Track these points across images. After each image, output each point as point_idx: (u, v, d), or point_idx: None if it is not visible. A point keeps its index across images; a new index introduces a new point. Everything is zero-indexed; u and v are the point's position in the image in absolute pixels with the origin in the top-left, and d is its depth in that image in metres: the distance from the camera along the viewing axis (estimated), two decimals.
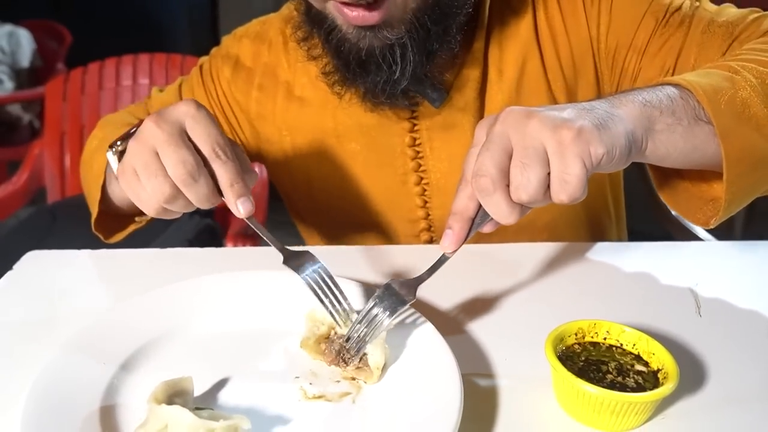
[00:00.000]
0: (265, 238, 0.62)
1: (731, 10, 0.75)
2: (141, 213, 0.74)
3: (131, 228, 0.82)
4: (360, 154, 0.84)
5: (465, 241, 0.56)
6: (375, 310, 0.59)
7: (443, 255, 0.58)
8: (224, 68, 0.90)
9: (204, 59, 0.94)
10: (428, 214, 0.86)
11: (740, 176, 0.59)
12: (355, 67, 0.72)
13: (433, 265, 0.59)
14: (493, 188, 0.52)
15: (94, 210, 0.79)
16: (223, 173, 0.57)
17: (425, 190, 0.84)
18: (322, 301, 0.59)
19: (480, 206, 0.56)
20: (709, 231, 1.32)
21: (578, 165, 0.50)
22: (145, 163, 0.57)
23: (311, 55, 0.79)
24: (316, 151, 0.87)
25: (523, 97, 0.80)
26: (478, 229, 0.57)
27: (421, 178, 0.84)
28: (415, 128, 0.82)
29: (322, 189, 0.89)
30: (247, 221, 0.60)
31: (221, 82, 0.90)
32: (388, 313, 0.58)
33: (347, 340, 0.59)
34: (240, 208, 0.58)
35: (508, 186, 0.52)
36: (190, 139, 0.57)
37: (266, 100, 0.87)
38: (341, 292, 0.60)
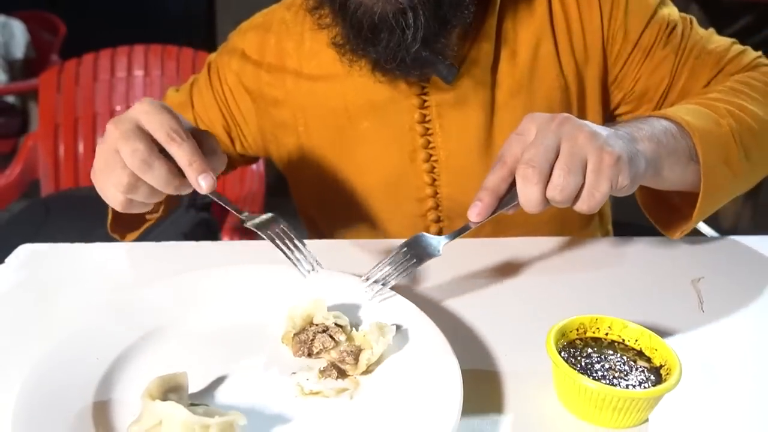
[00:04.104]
0: (228, 209, 0.65)
1: (716, 38, 0.84)
2: (151, 211, 0.83)
3: (144, 227, 0.86)
4: (370, 132, 0.85)
5: (490, 216, 0.61)
6: (403, 255, 0.64)
7: (467, 224, 0.63)
8: (231, 62, 0.91)
9: (212, 56, 0.95)
10: (436, 193, 0.86)
11: (709, 204, 0.71)
12: (367, 32, 0.73)
13: (458, 230, 0.64)
14: (537, 179, 0.57)
15: (110, 213, 0.83)
16: (181, 154, 0.60)
17: (434, 168, 0.85)
18: (284, 253, 0.62)
19: (509, 190, 0.61)
20: (711, 226, 1.32)
21: (607, 186, 0.58)
22: (105, 161, 0.62)
23: (321, 25, 0.80)
24: (327, 132, 0.87)
25: (536, 80, 0.82)
26: (502, 210, 0.61)
27: (430, 155, 0.85)
28: (425, 104, 0.82)
29: (332, 170, 0.90)
30: (210, 196, 0.63)
31: (228, 78, 0.91)
32: (415, 260, 0.63)
33: (367, 280, 0.65)
34: (201, 183, 0.60)
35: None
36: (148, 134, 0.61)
37: (277, 84, 0.88)
38: (305, 246, 0.63)
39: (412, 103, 0.82)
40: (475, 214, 0.61)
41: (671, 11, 0.83)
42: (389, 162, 0.86)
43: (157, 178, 0.60)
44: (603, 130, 0.60)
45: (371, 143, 0.85)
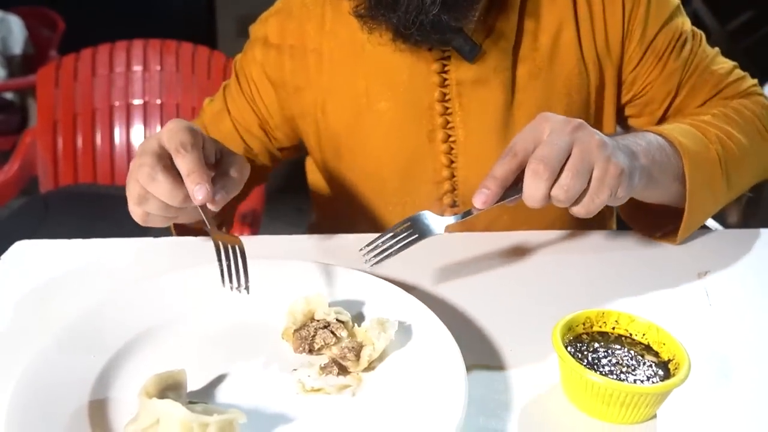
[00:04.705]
0: (208, 225, 0.64)
1: (720, 59, 0.87)
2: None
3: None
4: (389, 112, 0.85)
5: (493, 205, 0.62)
6: (405, 229, 0.65)
7: (471, 209, 0.63)
8: (255, 52, 0.91)
9: (237, 57, 0.96)
10: (453, 175, 0.87)
11: (693, 223, 0.76)
12: None
13: (462, 213, 0.65)
14: (546, 176, 0.59)
15: (172, 228, 0.88)
16: (182, 165, 0.62)
17: (452, 149, 0.86)
18: (219, 262, 0.61)
19: (515, 181, 0.62)
20: (717, 220, 1.31)
21: (607, 195, 0.61)
22: (128, 177, 0.66)
23: None
24: (345, 116, 0.87)
25: (556, 65, 0.82)
26: (504, 201, 0.62)
27: (449, 136, 0.85)
28: (446, 83, 0.83)
29: (348, 154, 0.90)
30: (199, 209, 0.63)
31: (252, 72, 0.92)
32: (417, 235, 0.65)
33: (370, 245, 0.65)
34: (195, 194, 0.61)
35: None
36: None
37: (300, 70, 0.89)
38: (246, 272, 0.62)
39: (432, 82, 0.82)
40: (481, 201, 0.62)
41: (685, 21, 0.85)
42: (407, 142, 0.86)
43: (161, 190, 0.62)
44: (610, 141, 0.63)
45: (389, 124, 0.86)
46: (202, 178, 0.61)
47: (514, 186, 0.62)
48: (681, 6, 0.86)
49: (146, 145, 0.64)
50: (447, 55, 0.81)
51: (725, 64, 0.87)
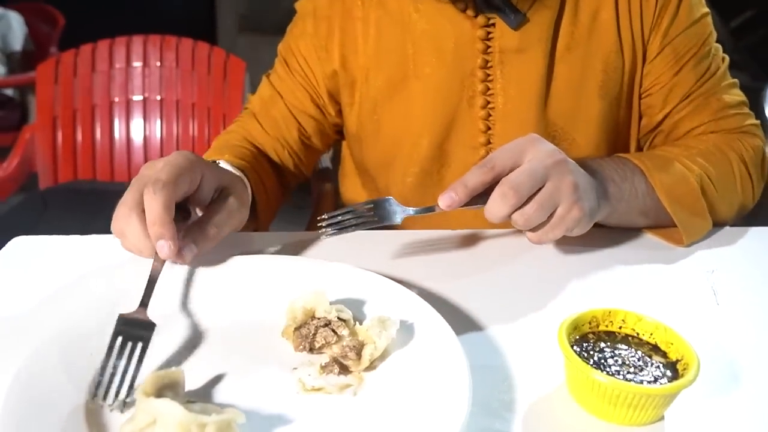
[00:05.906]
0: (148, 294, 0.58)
1: (735, 91, 0.88)
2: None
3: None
4: (433, 76, 0.87)
5: (457, 208, 0.65)
6: (367, 210, 0.67)
7: (434, 206, 0.66)
8: (305, 25, 0.93)
9: (281, 44, 0.97)
10: (489, 141, 0.89)
11: (695, 233, 0.77)
12: None
13: (423, 208, 0.68)
14: (512, 203, 0.63)
15: None
16: (147, 209, 0.59)
17: (490, 115, 0.87)
18: (104, 364, 0.53)
19: (485, 191, 0.65)
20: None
21: (562, 232, 0.67)
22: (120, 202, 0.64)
23: None
24: (390, 81, 0.89)
25: (594, 41, 0.84)
26: (468, 206, 0.65)
27: (488, 102, 0.87)
28: (489, 50, 0.85)
29: (389, 120, 0.91)
30: (156, 263, 0.59)
31: (301, 46, 0.93)
32: (376, 219, 0.67)
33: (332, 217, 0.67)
34: (159, 250, 0.59)
35: None
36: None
37: (349, 40, 0.91)
38: (132, 378, 0.53)
39: (476, 48, 0.85)
40: (446, 204, 0.65)
41: (712, 34, 0.87)
42: (448, 107, 0.88)
43: (132, 231, 0.60)
44: (584, 181, 0.67)
45: (433, 88, 0.87)
46: (163, 232, 0.58)
47: (481, 195, 0.65)
48: (711, 21, 0.87)
49: (145, 170, 0.63)
50: (492, 22, 0.84)
51: (736, 96, 0.88)
